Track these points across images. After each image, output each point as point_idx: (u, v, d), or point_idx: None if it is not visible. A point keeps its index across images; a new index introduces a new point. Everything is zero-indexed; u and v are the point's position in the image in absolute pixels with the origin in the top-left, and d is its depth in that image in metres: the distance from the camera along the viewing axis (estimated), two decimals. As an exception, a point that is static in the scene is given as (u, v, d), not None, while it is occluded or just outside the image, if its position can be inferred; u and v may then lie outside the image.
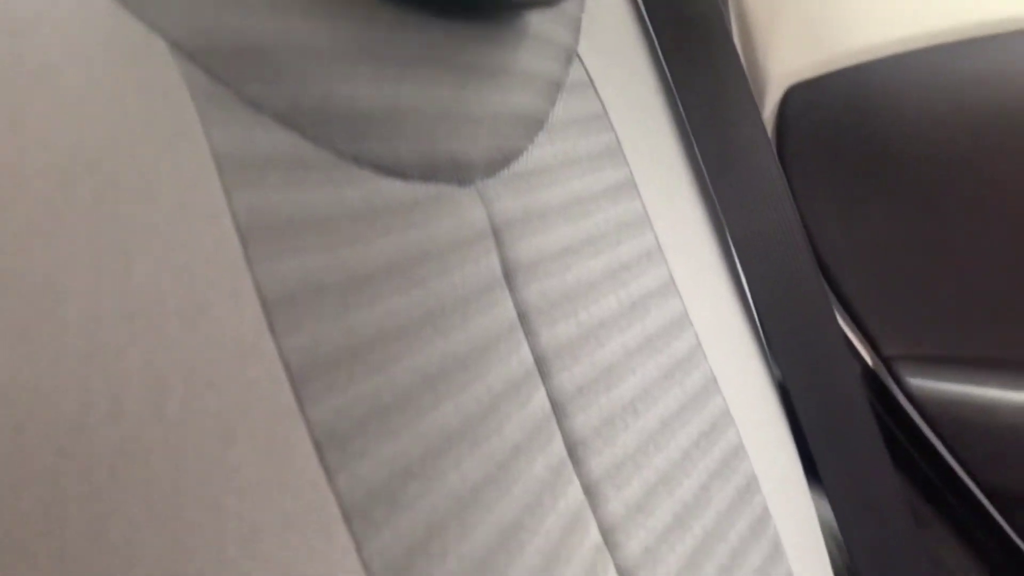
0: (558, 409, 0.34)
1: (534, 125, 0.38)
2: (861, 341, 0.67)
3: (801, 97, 0.68)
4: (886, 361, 0.66)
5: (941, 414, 0.64)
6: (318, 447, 0.23)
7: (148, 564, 0.18)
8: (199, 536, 0.20)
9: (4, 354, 0.17)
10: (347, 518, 0.23)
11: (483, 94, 0.34)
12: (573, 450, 0.34)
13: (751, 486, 0.46)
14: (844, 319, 0.68)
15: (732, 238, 0.61)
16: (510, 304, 0.33)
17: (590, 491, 0.34)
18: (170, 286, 0.21)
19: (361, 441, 0.24)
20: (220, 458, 0.21)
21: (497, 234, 0.34)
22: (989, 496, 0.64)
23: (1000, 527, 0.64)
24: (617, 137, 0.45)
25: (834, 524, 0.60)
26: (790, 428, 0.59)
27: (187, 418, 0.20)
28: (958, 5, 0.65)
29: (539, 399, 0.33)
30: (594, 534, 0.33)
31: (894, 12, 0.66)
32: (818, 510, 0.58)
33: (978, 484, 0.64)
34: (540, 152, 0.39)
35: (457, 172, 0.32)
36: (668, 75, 0.56)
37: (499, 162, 0.35)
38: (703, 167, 0.57)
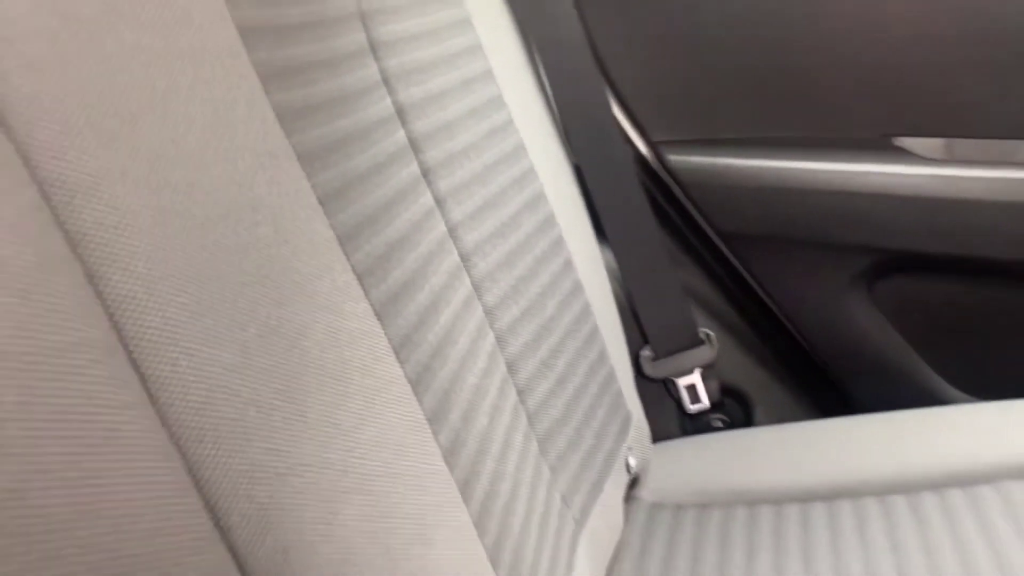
0: (429, 173, 0.51)
1: None
2: (634, 128, 0.86)
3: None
4: (654, 145, 0.86)
5: (692, 182, 0.86)
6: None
7: None
8: None
9: None
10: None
11: None
12: (442, 203, 0.52)
13: (550, 220, 0.65)
14: (621, 111, 0.86)
15: (536, 45, 0.76)
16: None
17: (453, 230, 0.52)
18: None
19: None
20: None
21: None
22: (723, 239, 0.87)
23: (727, 258, 0.88)
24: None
25: (616, 267, 0.82)
26: (584, 197, 0.78)
27: None
28: None
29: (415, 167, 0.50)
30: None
31: None
32: (605, 259, 0.79)
33: (716, 231, 0.87)
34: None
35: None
36: None
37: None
38: None
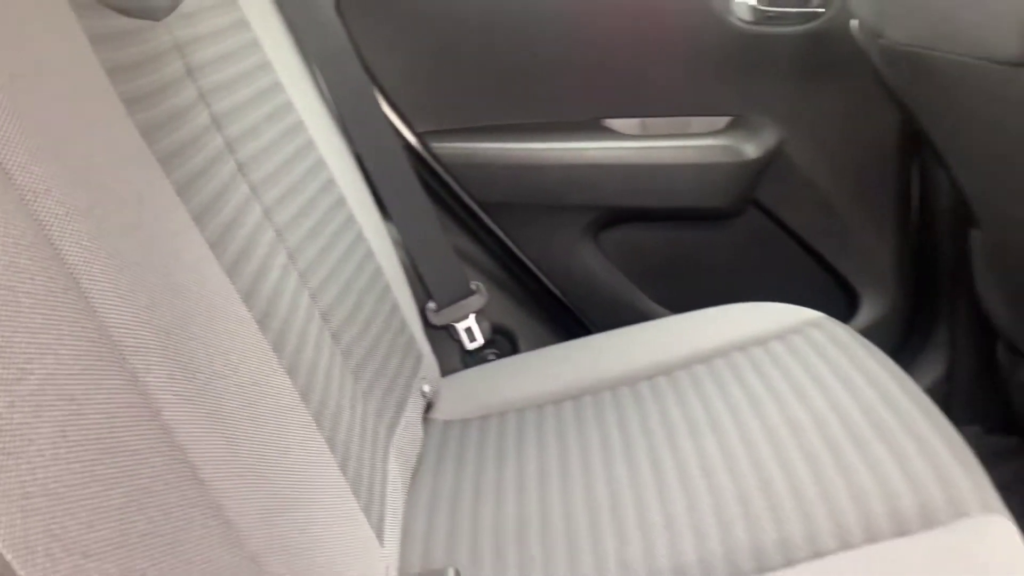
0: (243, 168, 0.65)
1: None
2: (402, 122, 1.04)
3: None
4: (419, 135, 1.04)
5: (453, 164, 1.05)
6: None
7: None
8: None
9: None
10: None
11: None
12: (256, 191, 0.66)
13: (341, 200, 0.81)
14: (389, 107, 1.03)
15: (314, 58, 0.91)
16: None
17: (267, 212, 0.66)
18: None
19: None
20: None
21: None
22: (483, 208, 1.08)
23: (487, 223, 1.09)
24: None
25: (399, 237, 0.99)
26: (367, 181, 0.95)
27: None
28: None
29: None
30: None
31: None
32: (390, 231, 0.96)
33: (477, 202, 1.07)
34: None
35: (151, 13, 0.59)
36: None
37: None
38: None
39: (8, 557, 0.30)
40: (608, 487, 0.72)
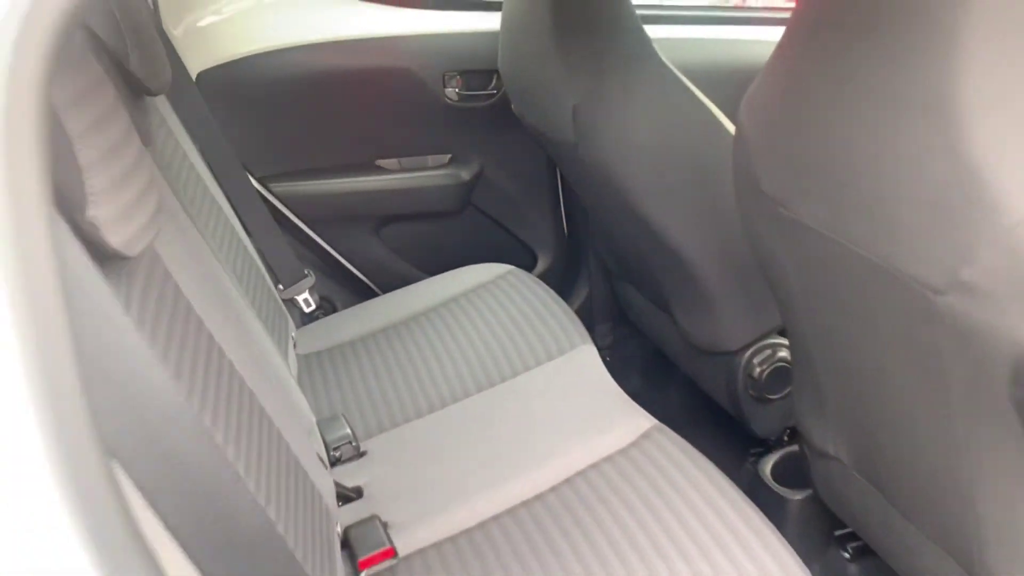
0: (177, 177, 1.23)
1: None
2: (247, 171, 1.61)
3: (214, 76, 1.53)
4: (260, 179, 1.62)
5: (285, 194, 1.64)
6: None
7: None
8: None
9: None
10: None
11: None
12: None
13: (229, 223, 1.39)
14: (241, 163, 1.60)
15: (192, 137, 1.46)
16: None
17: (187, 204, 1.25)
18: None
19: None
20: None
21: None
22: (305, 222, 1.69)
23: (310, 234, 1.70)
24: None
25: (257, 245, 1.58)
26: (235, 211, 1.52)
27: None
28: (299, 28, 1.56)
29: None
30: None
31: (257, 32, 1.54)
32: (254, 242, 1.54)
33: (300, 218, 1.68)
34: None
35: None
36: None
37: None
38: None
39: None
40: (419, 353, 1.39)
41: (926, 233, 0.73)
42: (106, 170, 0.58)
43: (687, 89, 1.24)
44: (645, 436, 1.13)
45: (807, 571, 0.92)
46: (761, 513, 0.99)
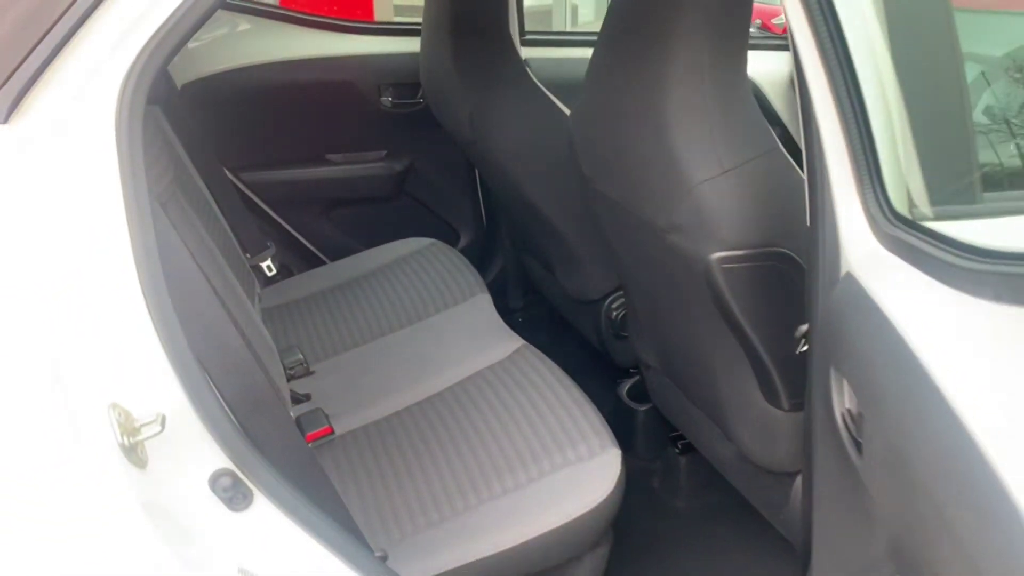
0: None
1: None
2: (220, 161, 2.01)
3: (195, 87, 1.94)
4: (232, 169, 2.03)
5: (252, 182, 2.05)
6: None
7: None
8: None
9: None
10: None
11: None
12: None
13: (208, 201, 1.81)
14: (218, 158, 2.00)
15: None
16: None
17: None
18: None
19: None
20: None
21: None
22: (268, 204, 2.10)
23: (272, 215, 2.11)
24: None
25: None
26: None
27: None
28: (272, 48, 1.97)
29: None
30: None
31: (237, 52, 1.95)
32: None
33: (264, 201, 2.09)
34: None
35: None
36: None
37: None
38: None
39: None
40: (357, 304, 1.81)
41: (656, 194, 1.16)
42: (146, 149, 1.00)
43: (549, 99, 1.69)
44: (516, 352, 1.56)
45: (610, 432, 1.34)
46: (587, 397, 1.41)
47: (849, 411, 0.81)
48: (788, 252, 1.11)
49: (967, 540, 0.58)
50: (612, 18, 1.22)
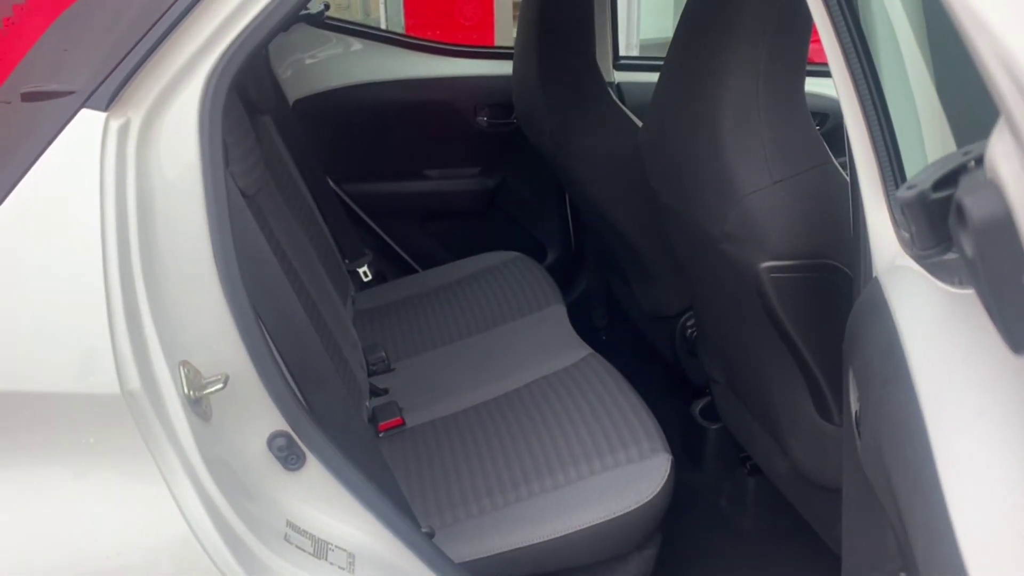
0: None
1: None
2: (327, 176, 2.17)
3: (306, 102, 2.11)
4: (335, 181, 2.18)
5: (354, 193, 2.20)
6: None
7: None
8: None
9: None
10: None
11: None
12: None
13: (311, 206, 1.95)
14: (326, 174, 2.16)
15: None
16: None
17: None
18: None
19: None
20: None
21: None
22: (368, 215, 2.24)
23: (371, 224, 2.25)
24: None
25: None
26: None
27: None
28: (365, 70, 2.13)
29: None
30: None
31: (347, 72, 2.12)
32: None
33: (364, 212, 2.23)
34: None
35: None
36: None
37: None
38: None
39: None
40: (441, 308, 1.91)
41: (709, 203, 1.20)
42: (235, 146, 1.13)
43: (628, 117, 1.74)
44: (583, 360, 1.61)
45: (663, 437, 1.37)
46: (644, 404, 1.45)
47: (856, 411, 0.82)
48: (838, 264, 1.12)
49: (903, 507, 0.60)
50: (677, 40, 1.27)
